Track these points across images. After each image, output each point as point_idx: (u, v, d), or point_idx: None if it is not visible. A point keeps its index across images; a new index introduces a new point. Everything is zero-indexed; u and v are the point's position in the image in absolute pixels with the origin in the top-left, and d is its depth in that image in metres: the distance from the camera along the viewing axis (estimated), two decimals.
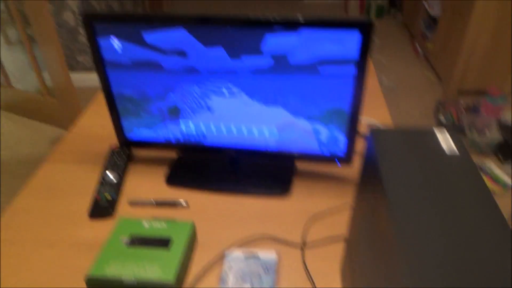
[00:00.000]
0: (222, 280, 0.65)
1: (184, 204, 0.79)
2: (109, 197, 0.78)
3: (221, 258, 0.69)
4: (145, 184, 0.84)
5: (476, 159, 2.04)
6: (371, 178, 0.49)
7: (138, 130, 0.83)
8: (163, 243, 0.65)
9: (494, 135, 1.99)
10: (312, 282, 0.65)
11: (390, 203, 0.40)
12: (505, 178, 1.92)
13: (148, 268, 0.60)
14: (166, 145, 0.84)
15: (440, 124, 2.25)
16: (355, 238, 0.56)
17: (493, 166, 1.98)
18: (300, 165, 0.89)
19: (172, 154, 0.91)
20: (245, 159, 0.89)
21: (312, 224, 0.75)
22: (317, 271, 0.67)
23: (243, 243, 0.72)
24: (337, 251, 0.70)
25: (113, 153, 0.88)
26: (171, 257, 0.62)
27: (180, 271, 0.62)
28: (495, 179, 1.92)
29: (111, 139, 0.96)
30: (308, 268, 0.68)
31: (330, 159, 0.81)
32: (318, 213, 0.78)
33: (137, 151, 0.93)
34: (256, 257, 0.68)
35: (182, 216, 0.77)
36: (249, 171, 0.87)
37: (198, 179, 0.85)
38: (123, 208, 0.78)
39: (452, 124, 2.19)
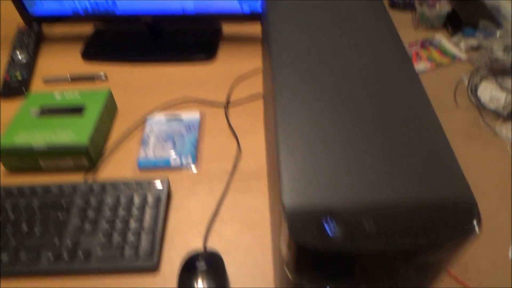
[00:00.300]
0: (143, 142, 0.64)
1: (103, 77, 0.75)
2: (19, 77, 0.73)
3: (143, 123, 0.67)
4: (60, 62, 0.79)
5: (426, 33, 2.03)
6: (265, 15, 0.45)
7: (40, 4, 0.75)
8: (76, 111, 0.62)
9: (444, 7, 1.96)
10: (235, 136, 0.65)
11: (271, 38, 0.38)
12: (453, 49, 1.94)
13: (60, 134, 0.58)
14: (75, 17, 0.77)
15: (392, 4, 2.19)
16: (265, 91, 0.54)
17: (443, 39, 1.98)
18: (227, 29, 0.85)
19: (87, 30, 0.85)
20: (164, 25, 0.83)
21: (237, 85, 0.74)
22: (241, 127, 0.67)
23: (166, 108, 0.70)
24: (260, 108, 0.70)
25: (20, 33, 0.80)
26: (85, 123, 0.60)
27: (96, 136, 0.60)
28: (444, 52, 1.93)
29: (19, 20, 0.87)
30: (232, 124, 0.67)
31: (253, 17, 0.76)
32: (243, 75, 0.76)
33: (50, 30, 0.85)
34: (178, 119, 0.67)
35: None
36: (172, 39, 0.82)
37: (117, 52, 0.80)
38: (37, 87, 0.74)
39: (403, 1, 2.13)
